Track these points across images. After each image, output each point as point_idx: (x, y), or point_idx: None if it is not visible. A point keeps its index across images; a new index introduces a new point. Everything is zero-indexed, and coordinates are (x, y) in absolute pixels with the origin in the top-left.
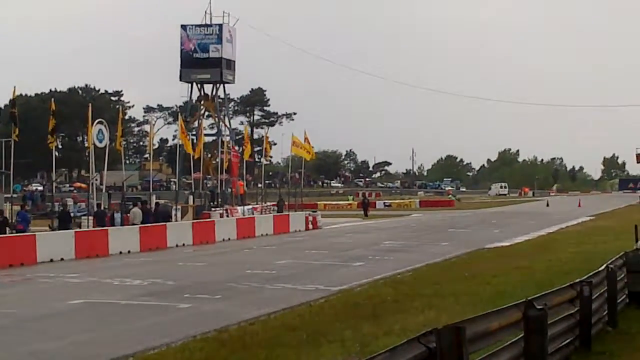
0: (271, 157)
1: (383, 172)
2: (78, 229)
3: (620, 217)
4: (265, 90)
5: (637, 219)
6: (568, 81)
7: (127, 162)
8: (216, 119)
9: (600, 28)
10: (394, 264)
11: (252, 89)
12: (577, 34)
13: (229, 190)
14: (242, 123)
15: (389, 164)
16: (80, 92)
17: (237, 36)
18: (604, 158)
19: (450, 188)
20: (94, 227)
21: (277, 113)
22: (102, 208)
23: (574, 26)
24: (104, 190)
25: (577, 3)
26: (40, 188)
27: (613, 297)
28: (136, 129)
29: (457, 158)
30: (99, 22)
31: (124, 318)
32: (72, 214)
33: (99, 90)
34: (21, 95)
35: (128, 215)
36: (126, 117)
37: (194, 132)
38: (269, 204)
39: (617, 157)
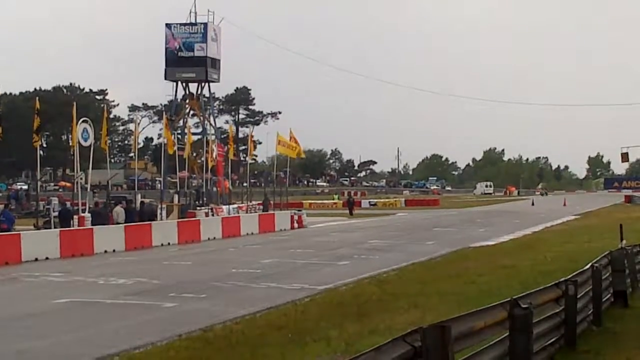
0: (256, 156)
1: (368, 171)
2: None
3: (605, 216)
4: (250, 89)
5: (621, 218)
6: (553, 80)
7: (112, 161)
8: (201, 117)
9: (583, 27)
10: (379, 263)
11: (237, 87)
12: (561, 33)
13: (215, 189)
14: (227, 122)
15: (374, 163)
16: (65, 90)
17: (222, 35)
18: (589, 157)
19: (436, 187)
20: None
21: (262, 112)
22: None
23: (558, 25)
24: (89, 189)
25: (560, 1)
26: (25, 187)
27: (598, 296)
28: (121, 127)
29: (442, 157)
30: (84, 21)
31: (109, 317)
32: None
33: (83, 89)
34: (5, 94)
35: (111, 214)
36: (111, 115)
37: (179, 131)
38: (254, 203)
39: (602, 157)
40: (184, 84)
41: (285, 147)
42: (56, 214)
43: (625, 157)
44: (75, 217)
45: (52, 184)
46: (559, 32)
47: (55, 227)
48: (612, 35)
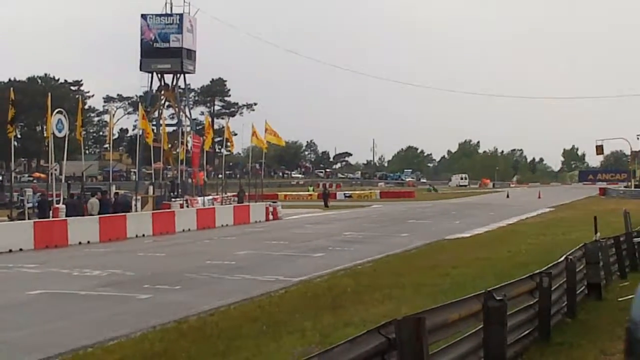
0: (232, 147)
1: (344, 163)
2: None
3: (580, 208)
4: (225, 81)
5: (596, 210)
6: (529, 73)
7: (87, 152)
8: (176, 109)
9: (561, 21)
10: (354, 255)
11: (212, 79)
12: (536, 29)
13: (189, 180)
14: (202, 113)
15: (349, 154)
16: (39, 81)
17: (198, 26)
18: (564, 150)
19: (411, 179)
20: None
21: (237, 103)
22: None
23: (534, 20)
24: (63, 180)
25: None
26: None
27: (572, 289)
28: (96, 118)
29: (417, 149)
30: (59, 12)
31: (83, 308)
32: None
33: (58, 80)
34: None
35: (86, 205)
36: (86, 106)
37: (154, 123)
38: (229, 194)
39: (577, 149)
40: (159, 75)
41: (272, 135)
42: (32, 204)
43: (600, 149)
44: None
45: (27, 175)
46: (534, 25)
47: (30, 218)
48: (589, 29)
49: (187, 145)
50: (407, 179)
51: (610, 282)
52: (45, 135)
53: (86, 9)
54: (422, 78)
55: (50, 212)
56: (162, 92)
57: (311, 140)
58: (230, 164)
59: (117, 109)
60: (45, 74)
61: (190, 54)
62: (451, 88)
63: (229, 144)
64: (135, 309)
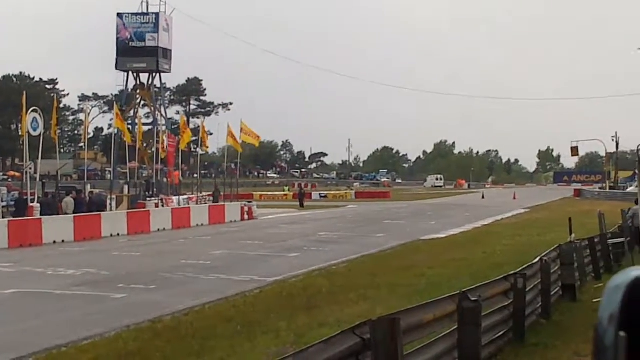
0: (207, 147)
1: (319, 163)
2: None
3: (555, 209)
4: (201, 80)
5: (571, 211)
6: (504, 74)
7: (62, 151)
8: (152, 108)
9: (536, 20)
10: (329, 255)
11: (188, 78)
12: (510, 28)
13: (165, 180)
14: (178, 113)
15: (325, 155)
16: (14, 79)
17: (174, 25)
18: (539, 151)
19: (386, 180)
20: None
21: (213, 103)
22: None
23: (508, 20)
24: (38, 179)
25: None
26: None
27: (547, 290)
28: (71, 117)
29: (393, 149)
30: (35, 9)
31: (57, 308)
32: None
33: (33, 78)
34: None
35: (61, 204)
36: (61, 105)
37: (130, 122)
38: (204, 194)
39: (553, 150)
40: (135, 74)
41: (247, 134)
42: (7, 203)
43: (575, 151)
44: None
45: (1, 173)
46: (508, 25)
47: (5, 217)
48: (564, 30)
49: (163, 144)
50: (383, 180)
51: (584, 283)
52: (20, 133)
53: (61, 6)
54: (396, 79)
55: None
56: (138, 91)
57: (287, 140)
58: (206, 163)
59: (92, 107)
60: (21, 73)
61: (166, 53)
62: (425, 88)
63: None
64: (110, 308)
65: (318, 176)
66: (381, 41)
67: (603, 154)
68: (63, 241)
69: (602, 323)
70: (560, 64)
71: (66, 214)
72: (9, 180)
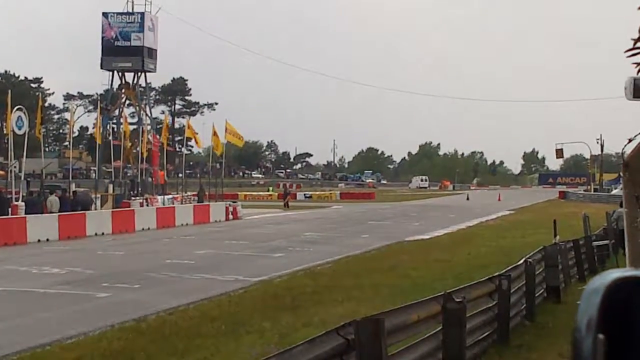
0: (192, 146)
1: (304, 163)
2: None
3: (540, 211)
4: (186, 80)
5: (556, 213)
6: (488, 76)
7: (47, 149)
8: (137, 107)
9: (520, 26)
10: (314, 256)
11: (173, 78)
12: (497, 32)
13: (150, 179)
14: (163, 112)
15: (310, 155)
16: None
17: (159, 25)
18: (524, 153)
19: (371, 180)
20: None
21: (198, 103)
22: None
23: (491, 21)
24: (22, 178)
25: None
26: None
27: (531, 291)
28: (56, 116)
29: (378, 150)
30: (20, 8)
31: (41, 306)
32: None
33: (18, 77)
34: None
35: (45, 203)
36: (46, 104)
37: (115, 121)
38: (189, 193)
39: (537, 152)
40: (120, 74)
41: (232, 135)
42: None
43: (559, 153)
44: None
45: None
46: (494, 27)
47: None
48: (547, 32)
49: (147, 144)
50: (367, 180)
51: (569, 285)
52: (4, 132)
53: (46, 5)
54: (382, 80)
55: (9, 209)
56: (123, 91)
57: (272, 141)
58: (191, 163)
59: (77, 106)
60: (6, 71)
61: (151, 52)
62: (411, 89)
63: (190, 142)
64: (94, 307)
65: (303, 177)
66: (365, 41)
67: (588, 156)
68: (47, 240)
69: (580, 326)
70: (545, 65)
71: (51, 212)
72: None
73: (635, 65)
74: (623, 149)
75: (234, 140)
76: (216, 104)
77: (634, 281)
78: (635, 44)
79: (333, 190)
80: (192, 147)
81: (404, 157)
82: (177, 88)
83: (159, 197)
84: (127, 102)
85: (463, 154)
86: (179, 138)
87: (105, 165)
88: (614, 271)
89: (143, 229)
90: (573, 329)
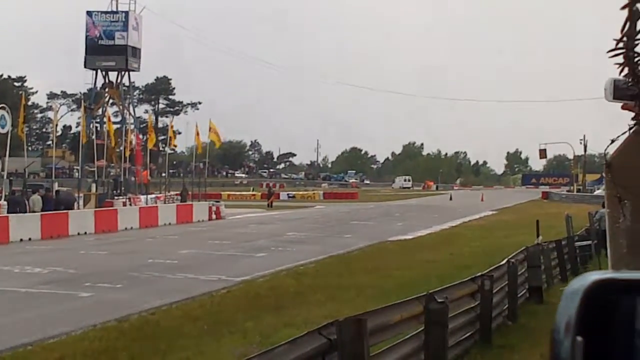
0: (176, 146)
1: (287, 163)
2: None
3: (523, 212)
4: (170, 79)
5: (538, 214)
6: (472, 76)
7: (30, 148)
8: (121, 107)
9: (504, 27)
10: (297, 255)
11: (157, 77)
12: (482, 32)
13: (133, 178)
14: (146, 111)
15: (293, 155)
16: None
17: (143, 24)
18: (508, 153)
19: (354, 180)
20: None
21: (182, 102)
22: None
23: (476, 21)
24: (5, 177)
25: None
26: None
27: (513, 292)
28: (39, 115)
29: (361, 150)
30: (3, 6)
31: (23, 306)
32: None
33: (1, 76)
34: None
35: (28, 202)
36: (29, 103)
37: (98, 120)
38: (172, 193)
39: (521, 153)
40: (103, 73)
41: (214, 134)
42: None
43: (543, 153)
44: None
45: None
46: (478, 28)
47: None
48: (532, 33)
49: (131, 143)
50: (351, 180)
51: (551, 285)
52: None
53: (31, 3)
54: (365, 80)
55: None
56: (107, 90)
57: (255, 140)
58: (174, 162)
59: (60, 105)
60: None
61: (135, 51)
62: (395, 90)
63: (174, 143)
64: (76, 307)
65: (286, 176)
66: (350, 41)
67: (571, 156)
68: (30, 239)
69: (559, 328)
70: (529, 66)
71: (34, 211)
72: None
73: (617, 65)
74: (606, 149)
75: (214, 139)
76: (200, 103)
77: (613, 284)
78: (617, 44)
79: (316, 190)
80: (175, 146)
81: (388, 157)
82: (161, 87)
83: (142, 197)
84: (111, 101)
85: (446, 154)
86: (162, 137)
87: (89, 165)
88: (593, 273)
89: (126, 229)
90: (551, 331)
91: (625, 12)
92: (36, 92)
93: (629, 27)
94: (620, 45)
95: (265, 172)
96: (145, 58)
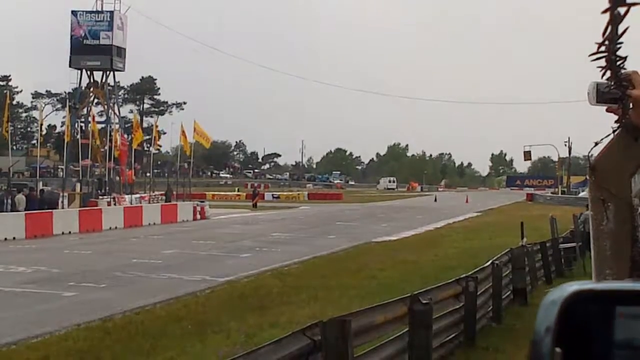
0: (160, 146)
1: (272, 163)
2: None
3: (507, 213)
4: (155, 79)
5: (523, 215)
6: (457, 78)
7: (14, 148)
8: (105, 106)
9: (489, 27)
10: (281, 256)
11: (142, 77)
12: (470, 33)
13: (117, 178)
14: (131, 111)
15: (278, 155)
16: None
17: (128, 24)
18: (492, 155)
19: (339, 181)
20: None
21: (167, 102)
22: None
23: (461, 23)
24: None
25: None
26: None
27: (498, 293)
28: (24, 114)
29: (346, 151)
30: None
31: (7, 305)
32: None
33: None
34: None
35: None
36: (14, 102)
37: (83, 120)
38: (157, 193)
39: (505, 154)
40: (88, 72)
41: (199, 135)
42: None
43: (527, 155)
44: None
45: None
46: (463, 28)
47: None
48: (519, 35)
49: (116, 143)
50: (336, 181)
51: (536, 287)
52: None
53: (15, 3)
54: (350, 81)
55: None
56: (92, 89)
57: (240, 141)
58: (159, 162)
59: (45, 105)
60: None
61: (120, 51)
62: (380, 91)
63: (158, 142)
64: (60, 306)
65: (271, 177)
66: (336, 42)
67: (556, 158)
68: (14, 238)
69: (538, 338)
70: (514, 67)
71: (18, 211)
72: None
73: (600, 69)
74: (590, 151)
75: (201, 141)
76: (185, 103)
77: (592, 294)
78: (599, 47)
79: (301, 191)
80: (160, 146)
81: (372, 158)
82: (146, 87)
83: (127, 197)
84: (96, 100)
85: (431, 155)
86: (147, 137)
87: (73, 164)
88: (573, 284)
89: (110, 228)
90: (531, 341)
91: (607, 16)
92: (21, 91)
93: (610, 30)
94: (602, 48)
95: (250, 172)
96: (131, 58)
